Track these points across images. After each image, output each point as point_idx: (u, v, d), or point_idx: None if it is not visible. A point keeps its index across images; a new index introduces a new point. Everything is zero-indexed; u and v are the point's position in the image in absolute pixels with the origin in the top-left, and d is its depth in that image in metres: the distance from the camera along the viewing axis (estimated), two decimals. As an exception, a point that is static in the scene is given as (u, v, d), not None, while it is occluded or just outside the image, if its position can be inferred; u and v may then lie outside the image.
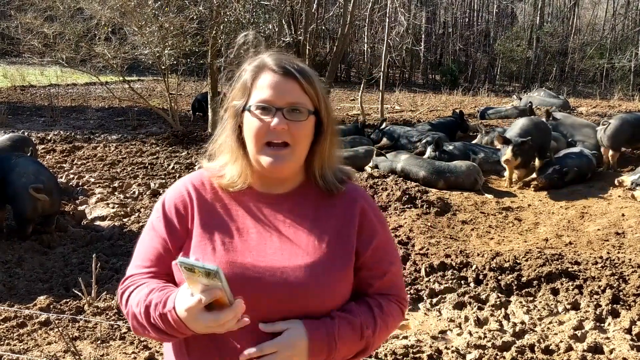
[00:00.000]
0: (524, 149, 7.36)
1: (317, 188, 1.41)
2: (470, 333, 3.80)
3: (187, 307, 1.16)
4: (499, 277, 4.51)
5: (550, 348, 3.58)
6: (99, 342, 3.64)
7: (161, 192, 6.90)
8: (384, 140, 9.75)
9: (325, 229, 1.38)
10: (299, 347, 1.26)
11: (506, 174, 7.82)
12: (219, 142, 1.42)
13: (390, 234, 1.52)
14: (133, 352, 3.53)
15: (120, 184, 7.19)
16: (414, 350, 3.53)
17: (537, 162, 8.02)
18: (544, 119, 9.26)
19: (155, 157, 8.79)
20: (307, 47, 11.66)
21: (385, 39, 14.04)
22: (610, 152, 8.40)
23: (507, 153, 7.39)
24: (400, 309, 1.45)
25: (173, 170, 7.94)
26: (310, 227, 1.37)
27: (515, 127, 8.09)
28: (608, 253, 5.15)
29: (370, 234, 1.40)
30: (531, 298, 4.29)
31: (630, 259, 4.86)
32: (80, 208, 6.35)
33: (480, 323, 3.95)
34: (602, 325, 3.90)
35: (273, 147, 1.32)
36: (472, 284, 4.49)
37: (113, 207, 6.30)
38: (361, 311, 1.36)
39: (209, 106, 11.25)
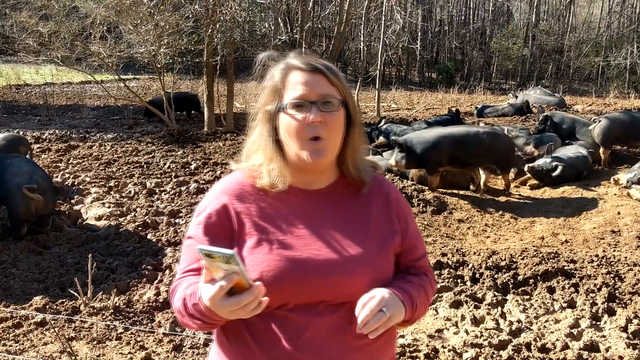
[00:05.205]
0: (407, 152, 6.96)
1: (351, 181, 1.49)
2: (466, 332, 3.80)
3: (210, 296, 1.23)
4: (495, 276, 4.52)
5: (547, 346, 3.59)
6: (95, 342, 3.62)
7: (157, 191, 6.89)
8: (381, 139, 9.75)
9: (368, 218, 1.47)
10: (394, 300, 1.35)
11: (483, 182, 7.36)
12: (250, 147, 1.49)
13: None
14: (129, 353, 3.52)
15: (116, 183, 7.16)
16: (411, 349, 3.53)
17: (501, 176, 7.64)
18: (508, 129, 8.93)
19: (151, 156, 8.76)
20: (303, 46, 11.65)
21: (382, 37, 14.05)
22: (601, 149, 8.50)
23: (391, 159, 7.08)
24: (433, 285, 1.58)
25: (169, 170, 7.92)
26: (354, 218, 1.46)
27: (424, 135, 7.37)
28: (604, 251, 5.16)
29: (406, 222, 1.52)
30: (527, 296, 4.30)
31: (626, 257, 4.87)
32: (75, 208, 6.33)
33: (476, 322, 3.95)
34: (598, 323, 3.91)
35: (312, 141, 1.39)
36: (468, 283, 4.49)
37: (109, 207, 6.28)
38: (413, 286, 1.46)
39: (204, 105, 11.23)
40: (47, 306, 4.04)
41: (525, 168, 7.84)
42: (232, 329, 1.40)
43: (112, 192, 6.88)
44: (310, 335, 1.35)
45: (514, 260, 4.74)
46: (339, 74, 1.44)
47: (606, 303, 4.07)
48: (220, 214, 1.41)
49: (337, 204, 1.47)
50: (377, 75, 14.13)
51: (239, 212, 1.41)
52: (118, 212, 6.11)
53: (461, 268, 4.69)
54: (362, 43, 16.93)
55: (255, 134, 1.47)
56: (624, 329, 3.76)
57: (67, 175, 7.49)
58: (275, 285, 1.32)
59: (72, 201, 6.52)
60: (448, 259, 4.81)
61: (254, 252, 1.37)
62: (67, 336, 3.64)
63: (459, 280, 4.53)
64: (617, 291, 4.25)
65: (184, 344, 3.63)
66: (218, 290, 1.21)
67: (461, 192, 7.35)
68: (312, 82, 1.40)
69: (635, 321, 3.83)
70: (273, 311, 1.35)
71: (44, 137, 9.96)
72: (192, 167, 8.06)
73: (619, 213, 6.34)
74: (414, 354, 3.49)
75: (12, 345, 3.56)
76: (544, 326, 3.89)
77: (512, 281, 4.44)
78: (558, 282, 4.40)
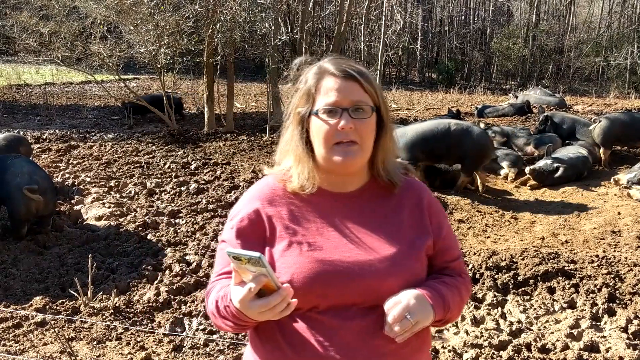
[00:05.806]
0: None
1: (382, 184, 1.50)
2: (467, 332, 3.80)
3: (239, 298, 1.26)
4: (496, 276, 4.51)
5: (547, 347, 3.59)
6: (95, 342, 3.62)
7: (157, 191, 6.89)
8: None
9: (399, 220, 1.47)
10: (421, 305, 1.35)
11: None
12: (282, 148, 1.50)
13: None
14: (129, 353, 3.52)
15: (116, 183, 7.16)
16: (411, 350, 3.52)
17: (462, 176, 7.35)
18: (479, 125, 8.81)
19: (151, 156, 8.76)
20: (304, 46, 11.65)
21: (382, 37, 14.04)
22: (602, 150, 8.52)
23: None
24: (469, 287, 1.58)
25: (169, 170, 7.92)
26: (384, 221, 1.46)
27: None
28: (604, 252, 5.16)
29: (439, 225, 1.51)
30: (527, 297, 4.30)
31: (626, 258, 4.87)
32: (76, 208, 6.33)
33: (476, 322, 3.95)
34: (599, 324, 3.90)
35: (342, 145, 1.40)
36: (468, 283, 4.49)
37: (109, 207, 6.28)
38: (447, 287, 1.46)
39: (205, 105, 11.23)
40: (47, 306, 4.04)
41: (527, 170, 7.85)
42: (264, 330, 1.42)
43: (112, 192, 6.88)
44: (341, 338, 1.36)
45: (514, 260, 4.74)
46: (372, 79, 1.45)
47: (606, 303, 4.07)
48: (252, 218, 1.44)
49: (368, 206, 1.48)
50: (378, 76, 14.12)
51: (270, 215, 1.44)
52: (118, 212, 6.10)
53: (461, 268, 4.68)
54: (362, 43, 16.94)
55: (287, 134, 1.49)
56: (624, 330, 3.76)
57: (67, 175, 7.49)
58: (305, 287, 1.34)
59: (72, 201, 6.52)
60: (448, 259, 4.81)
61: (284, 255, 1.39)
62: (67, 336, 3.64)
63: (459, 281, 4.53)
64: (617, 292, 4.25)
65: (184, 344, 3.63)
66: (247, 292, 1.24)
67: (461, 192, 7.35)
68: (345, 89, 1.40)
69: (635, 322, 3.82)
70: (304, 313, 1.37)
71: (44, 137, 9.96)
72: (192, 167, 8.06)
73: (619, 213, 6.34)
74: (414, 355, 3.48)
75: (12, 346, 3.56)
76: (544, 327, 3.89)
77: (512, 281, 4.44)
78: (558, 283, 4.40)
